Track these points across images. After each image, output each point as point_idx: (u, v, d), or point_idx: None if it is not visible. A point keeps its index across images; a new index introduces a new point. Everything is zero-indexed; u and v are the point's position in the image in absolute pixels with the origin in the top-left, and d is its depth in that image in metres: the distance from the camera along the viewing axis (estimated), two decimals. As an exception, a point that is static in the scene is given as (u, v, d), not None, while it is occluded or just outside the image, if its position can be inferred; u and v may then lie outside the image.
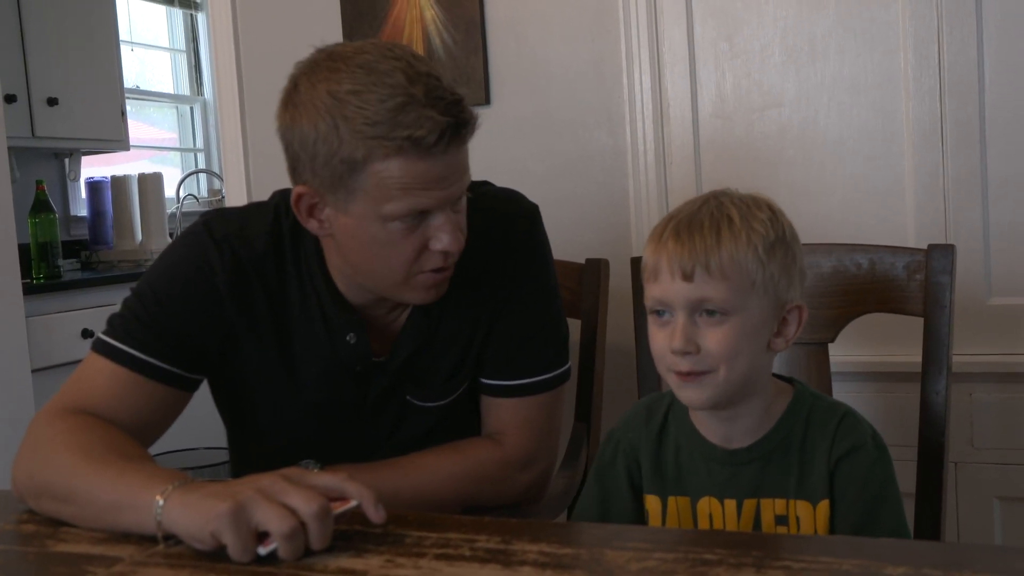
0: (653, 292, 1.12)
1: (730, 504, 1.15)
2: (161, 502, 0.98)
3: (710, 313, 1.08)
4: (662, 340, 1.11)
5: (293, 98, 1.19)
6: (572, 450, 1.63)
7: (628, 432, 1.23)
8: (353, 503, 0.96)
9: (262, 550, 0.93)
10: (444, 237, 1.20)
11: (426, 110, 1.13)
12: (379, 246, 1.21)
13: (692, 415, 1.19)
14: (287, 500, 0.94)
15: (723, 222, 1.09)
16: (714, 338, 1.08)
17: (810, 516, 1.13)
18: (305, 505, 0.93)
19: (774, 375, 1.19)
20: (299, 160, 1.20)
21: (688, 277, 1.08)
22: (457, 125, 1.16)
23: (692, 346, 1.08)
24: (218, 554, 0.94)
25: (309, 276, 1.31)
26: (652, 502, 1.19)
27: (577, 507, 1.28)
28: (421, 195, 1.17)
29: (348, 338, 1.31)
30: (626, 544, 0.93)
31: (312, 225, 1.25)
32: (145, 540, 1.00)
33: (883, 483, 1.12)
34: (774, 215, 1.12)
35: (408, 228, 1.19)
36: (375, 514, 0.96)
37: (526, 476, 1.37)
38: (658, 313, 1.12)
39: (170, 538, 0.98)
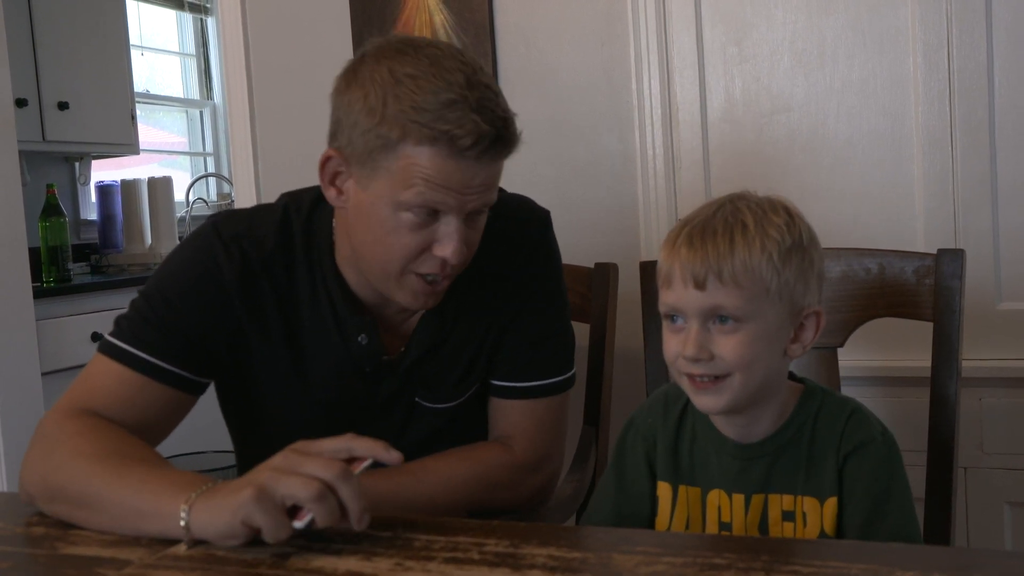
0: (666, 299, 1.11)
1: (738, 498, 1.15)
2: (186, 509, 0.98)
3: (723, 320, 1.08)
4: (675, 346, 1.11)
5: (356, 68, 1.22)
6: (581, 454, 1.63)
7: (648, 418, 1.23)
8: (368, 461, 0.97)
9: (298, 524, 0.94)
10: (448, 244, 1.20)
11: (473, 114, 1.14)
12: (384, 232, 1.21)
13: None
14: (305, 470, 0.95)
15: (737, 228, 1.08)
16: (728, 346, 1.08)
17: (817, 513, 1.12)
18: (325, 471, 0.94)
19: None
20: (340, 125, 1.22)
21: (700, 285, 1.07)
22: (498, 138, 1.17)
23: (705, 353, 1.08)
24: (228, 557, 0.94)
25: (321, 276, 1.31)
26: (663, 489, 1.20)
27: (596, 491, 1.28)
28: (439, 192, 1.17)
29: (360, 339, 1.31)
30: (635, 548, 0.93)
31: (331, 193, 1.26)
32: (155, 543, 1.00)
33: (891, 479, 1.11)
34: (791, 219, 1.11)
35: (417, 223, 1.19)
36: (389, 456, 0.98)
37: (536, 479, 1.37)
38: (671, 319, 1.12)
39: (195, 544, 0.98)
